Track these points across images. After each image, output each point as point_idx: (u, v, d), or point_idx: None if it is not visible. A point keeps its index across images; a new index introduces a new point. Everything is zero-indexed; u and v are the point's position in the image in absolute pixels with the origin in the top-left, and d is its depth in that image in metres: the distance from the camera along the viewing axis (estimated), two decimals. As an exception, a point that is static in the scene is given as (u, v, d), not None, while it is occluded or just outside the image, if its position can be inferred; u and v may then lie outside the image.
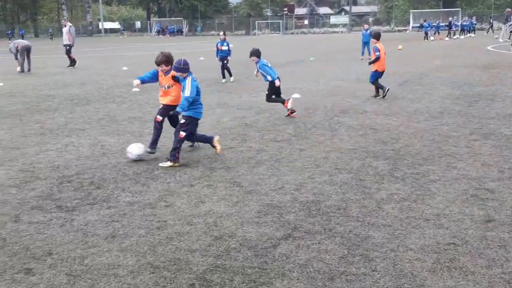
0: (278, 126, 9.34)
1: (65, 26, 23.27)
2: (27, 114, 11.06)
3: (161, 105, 7.57)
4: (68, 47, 22.75)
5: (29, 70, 21.10)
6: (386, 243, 4.39)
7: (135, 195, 5.77)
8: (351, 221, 4.88)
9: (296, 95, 12.64)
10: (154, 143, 7.41)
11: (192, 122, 7.06)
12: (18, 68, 20.93)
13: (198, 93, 7.01)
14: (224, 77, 16.39)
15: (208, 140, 7.35)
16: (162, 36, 75.80)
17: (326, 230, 4.69)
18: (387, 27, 78.69)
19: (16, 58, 21.04)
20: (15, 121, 10.25)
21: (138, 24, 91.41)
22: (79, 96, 13.72)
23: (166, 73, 7.37)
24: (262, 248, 4.35)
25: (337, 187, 5.87)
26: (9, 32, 66.99)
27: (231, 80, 16.18)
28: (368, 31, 24.73)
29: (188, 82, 6.87)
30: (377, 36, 12.55)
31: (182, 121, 6.98)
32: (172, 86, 7.36)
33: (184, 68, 6.96)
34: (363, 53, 25.19)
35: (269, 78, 10.11)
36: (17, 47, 20.85)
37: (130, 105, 12.14)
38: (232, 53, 16.85)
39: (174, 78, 7.29)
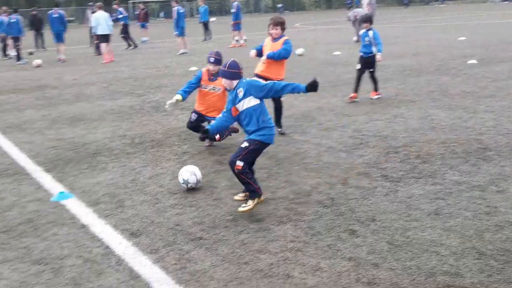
0: None
1: None
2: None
3: None
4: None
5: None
6: None
7: (464, 174, 5.43)
8: None
9: None
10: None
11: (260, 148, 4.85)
12: (355, 38, 21.98)
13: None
14: None
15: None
16: (506, 2, 69.35)
17: None
18: None
19: (354, 26, 22.09)
20: (348, 90, 10.82)
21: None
22: (411, 67, 13.65)
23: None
24: None
25: None
26: (348, 1, 70.59)
27: None
28: None
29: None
30: None
31: (244, 144, 4.76)
32: None
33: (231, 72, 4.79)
34: None
35: (375, 49, 9.24)
36: (355, 16, 21.88)
37: (465, 78, 11.46)
38: None
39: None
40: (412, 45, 19.61)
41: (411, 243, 4.00)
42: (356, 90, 9.53)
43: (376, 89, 9.64)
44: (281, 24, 7.16)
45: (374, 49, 9.28)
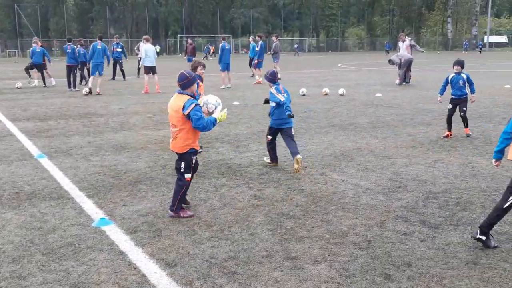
0: None
1: (403, 41, 22.05)
2: (400, 126, 11.52)
3: None
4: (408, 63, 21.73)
5: (407, 82, 21.82)
6: None
7: (504, 225, 5.31)
8: None
9: None
10: None
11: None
12: (397, 81, 22.02)
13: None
14: None
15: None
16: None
17: None
18: None
19: (399, 68, 22.11)
20: (389, 132, 10.80)
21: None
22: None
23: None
24: None
25: None
26: (387, 46, 70.37)
27: None
28: None
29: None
30: None
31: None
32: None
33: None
34: None
35: (467, 91, 10.01)
36: (400, 59, 21.94)
37: (508, 127, 11.26)
38: None
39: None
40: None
41: (447, 292, 3.94)
42: (450, 128, 10.17)
43: (467, 126, 10.26)
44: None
45: (467, 90, 10.08)
